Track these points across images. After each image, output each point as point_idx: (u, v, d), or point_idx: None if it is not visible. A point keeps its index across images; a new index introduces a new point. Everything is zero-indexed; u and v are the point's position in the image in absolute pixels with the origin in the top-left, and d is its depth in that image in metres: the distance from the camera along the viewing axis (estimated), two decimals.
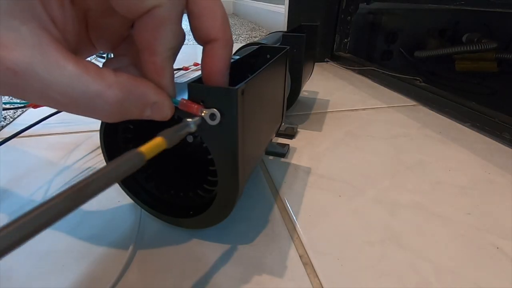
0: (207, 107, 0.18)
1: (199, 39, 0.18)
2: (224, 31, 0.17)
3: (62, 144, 0.39)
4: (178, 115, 0.18)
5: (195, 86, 0.18)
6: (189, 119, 0.17)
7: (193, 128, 0.17)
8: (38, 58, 0.12)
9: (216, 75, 0.18)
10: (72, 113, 0.14)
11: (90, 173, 0.11)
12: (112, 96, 0.14)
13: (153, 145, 0.13)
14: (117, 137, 0.25)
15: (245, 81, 0.19)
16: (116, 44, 0.19)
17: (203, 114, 0.17)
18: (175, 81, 0.18)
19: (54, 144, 0.39)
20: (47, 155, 0.37)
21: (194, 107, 0.17)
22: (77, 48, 0.16)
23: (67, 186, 0.32)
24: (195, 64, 0.62)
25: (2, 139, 0.32)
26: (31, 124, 0.35)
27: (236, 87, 0.17)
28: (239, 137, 0.19)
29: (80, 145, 0.39)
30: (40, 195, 0.30)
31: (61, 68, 0.12)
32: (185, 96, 0.18)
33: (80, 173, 0.33)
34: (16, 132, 0.33)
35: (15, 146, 0.36)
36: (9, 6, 0.11)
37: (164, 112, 0.17)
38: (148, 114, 0.16)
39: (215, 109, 0.17)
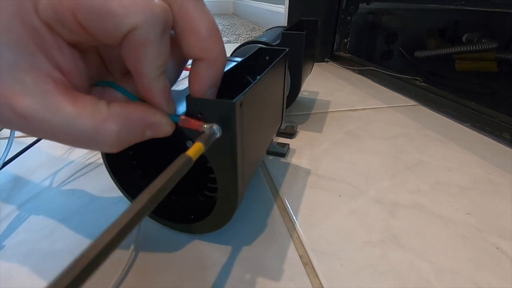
0: (205, 119, 0.17)
1: (186, 58, 0.18)
2: (209, 50, 0.16)
3: (63, 144, 0.39)
4: (178, 128, 0.18)
5: (193, 99, 0.17)
6: (215, 126, 0.17)
7: (218, 134, 0.17)
8: (42, 104, 0.13)
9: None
10: (82, 148, 0.15)
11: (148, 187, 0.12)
12: (108, 130, 0.15)
13: (196, 150, 0.15)
14: None
15: (243, 92, 0.19)
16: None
17: (204, 129, 0.17)
18: (174, 89, 0.18)
19: (54, 143, 0.39)
20: (48, 154, 0.37)
21: (195, 124, 0.17)
22: (93, 81, 0.17)
23: (68, 183, 0.32)
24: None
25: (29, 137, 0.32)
26: None
27: (234, 100, 0.17)
28: (238, 148, 0.19)
29: None
30: (45, 189, 0.30)
31: (61, 111, 0.14)
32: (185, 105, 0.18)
33: (82, 168, 0.33)
34: None
35: (16, 146, 0.36)
36: (15, 60, 0.13)
37: (165, 130, 0.17)
38: (150, 135, 0.17)
39: (216, 125, 0.17)
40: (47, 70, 0.14)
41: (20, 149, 0.32)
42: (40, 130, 0.14)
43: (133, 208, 0.11)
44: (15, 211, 0.28)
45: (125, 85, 0.17)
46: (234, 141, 0.18)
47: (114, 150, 0.16)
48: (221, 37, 0.17)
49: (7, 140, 0.27)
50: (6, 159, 0.28)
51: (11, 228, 0.26)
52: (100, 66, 0.18)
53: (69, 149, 0.38)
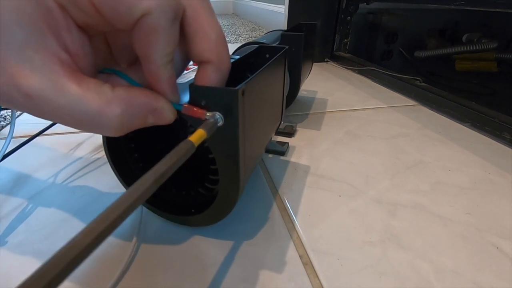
0: (208, 107, 0.18)
1: (192, 59, 0.18)
2: (218, 54, 0.17)
3: (64, 144, 0.39)
4: (180, 116, 0.18)
5: (196, 87, 0.18)
6: (217, 114, 0.17)
7: (221, 122, 0.17)
8: (48, 84, 0.13)
9: None
10: (84, 131, 0.15)
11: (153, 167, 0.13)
12: (111, 112, 0.15)
13: (198, 136, 0.15)
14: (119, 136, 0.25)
15: (245, 81, 0.19)
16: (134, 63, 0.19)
17: (207, 117, 0.17)
18: (178, 82, 0.18)
19: (56, 143, 0.39)
20: (50, 154, 0.37)
21: (198, 112, 0.17)
22: (99, 69, 0.17)
23: (70, 183, 0.32)
24: (195, 64, 0.62)
25: (29, 136, 0.33)
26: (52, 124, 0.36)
27: (237, 87, 0.18)
28: (240, 137, 0.19)
29: (82, 143, 0.39)
30: (46, 189, 0.30)
31: (66, 91, 0.14)
32: (188, 97, 0.18)
33: (84, 167, 0.33)
34: (41, 130, 0.34)
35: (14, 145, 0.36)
36: (25, 38, 0.13)
37: (167, 117, 0.17)
38: (152, 121, 0.17)
39: (218, 113, 0.18)
40: (55, 51, 0.14)
41: (19, 143, 0.32)
42: (44, 111, 0.14)
43: (135, 190, 0.11)
44: (16, 211, 0.28)
45: (130, 74, 0.18)
46: (236, 129, 0.18)
47: (115, 133, 0.16)
48: (227, 45, 0.18)
49: (6, 137, 0.27)
50: (6, 151, 0.28)
51: (12, 228, 0.26)
52: (107, 55, 0.18)
53: (72, 148, 0.38)
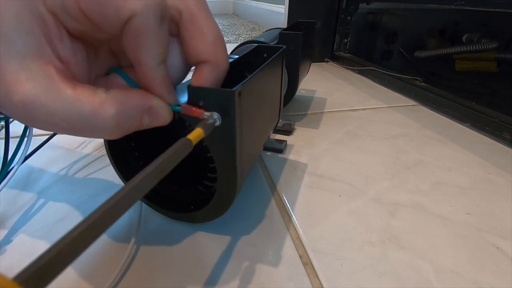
0: (206, 108, 0.18)
1: (189, 62, 0.18)
2: (215, 54, 0.17)
3: (65, 144, 0.39)
4: (179, 116, 0.18)
5: (194, 88, 0.18)
6: (215, 114, 0.18)
7: (218, 122, 0.18)
8: (43, 90, 0.13)
9: None
10: (80, 136, 0.15)
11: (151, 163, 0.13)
12: (106, 113, 0.15)
13: (196, 134, 0.15)
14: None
15: (242, 82, 0.19)
16: None
17: (205, 117, 0.18)
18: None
19: (58, 142, 0.39)
20: (52, 153, 0.37)
21: (197, 111, 0.18)
22: (96, 76, 0.17)
23: (70, 183, 0.32)
24: None
25: (42, 135, 0.33)
26: None
27: (234, 89, 0.18)
28: (237, 136, 0.19)
29: (84, 143, 0.39)
30: (45, 189, 0.30)
31: (60, 96, 0.14)
32: (186, 97, 0.19)
33: (89, 163, 0.33)
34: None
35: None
36: (24, 46, 0.13)
37: (162, 116, 0.17)
38: (148, 122, 0.17)
39: (216, 113, 0.18)
40: (50, 59, 0.14)
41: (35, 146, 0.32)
42: (39, 118, 0.14)
43: (132, 185, 0.11)
44: (20, 210, 0.28)
45: (131, 76, 0.18)
46: (233, 129, 0.19)
47: (112, 135, 0.16)
48: (225, 45, 0.18)
49: (22, 138, 0.27)
50: (27, 153, 0.28)
51: (16, 227, 0.26)
52: (114, 62, 0.18)
53: (75, 147, 0.38)
